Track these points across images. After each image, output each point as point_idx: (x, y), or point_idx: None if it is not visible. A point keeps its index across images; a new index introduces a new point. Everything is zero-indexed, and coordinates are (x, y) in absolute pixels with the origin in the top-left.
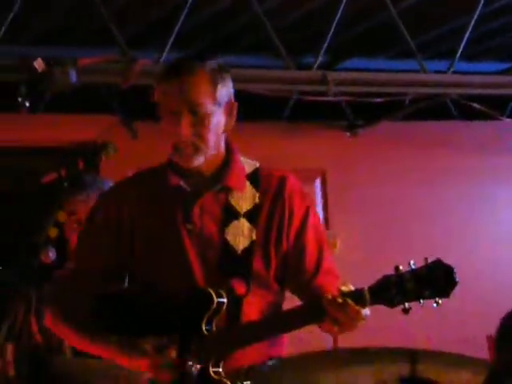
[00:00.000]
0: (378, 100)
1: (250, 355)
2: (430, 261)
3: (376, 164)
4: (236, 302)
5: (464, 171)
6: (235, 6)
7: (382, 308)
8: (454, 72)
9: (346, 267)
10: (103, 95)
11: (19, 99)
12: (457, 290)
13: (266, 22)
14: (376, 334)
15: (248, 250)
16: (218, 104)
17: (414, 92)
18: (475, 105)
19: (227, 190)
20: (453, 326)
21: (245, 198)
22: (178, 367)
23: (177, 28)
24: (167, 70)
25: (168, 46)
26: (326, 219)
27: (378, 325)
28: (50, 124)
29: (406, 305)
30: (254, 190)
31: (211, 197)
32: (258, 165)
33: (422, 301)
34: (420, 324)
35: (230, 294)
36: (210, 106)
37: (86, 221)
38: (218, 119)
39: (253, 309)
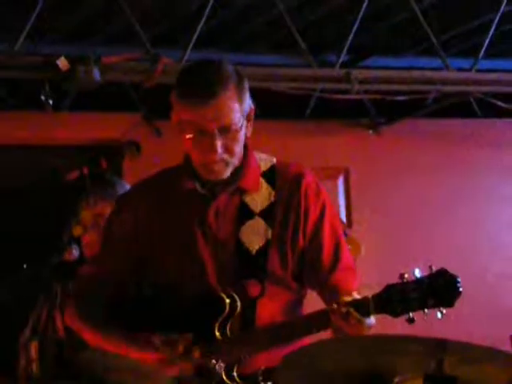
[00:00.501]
0: (401, 98)
1: (264, 357)
2: (434, 269)
3: (399, 162)
4: (250, 304)
5: (487, 169)
6: (257, 4)
7: None
8: (478, 70)
9: (368, 265)
10: (127, 94)
11: (43, 98)
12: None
13: (289, 20)
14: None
15: (263, 250)
16: (244, 116)
17: (437, 90)
18: (498, 102)
19: (242, 191)
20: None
21: (260, 197)
22: (200, 365)
23: (200, 27)
24: (193, 91)
25: (191, 45)
26: (349, 217)
27: None
28: (74, 122)
29: (411, 314)
30: (269, 188)
31: (226, 198)
32: (274, 161)
33: (426, 310)
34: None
35: (244, 296)
36: (239, 122)
37: (104, 225)
38: (245, 130)
39: (268, 309)
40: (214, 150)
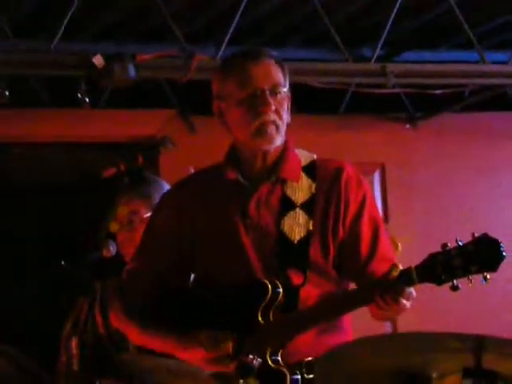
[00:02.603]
0: (438, 91)
1: (309, 344)
2: (476, 235)
3: (436, 156)
4: (293, 292)
5: None
6: (292, 0)
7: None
8: None
9: (405, 262)
10: (162, 90)
11: (79, 95)
12: None
13: (324, 15)
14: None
15: (304, 240)
16: (287, 92)
17: (473, 83)
18: None
19: (283, 182)
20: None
21: (301, 189)
22: (234, 359)
23: (234, 23)
24: (241, 58)
25: (226, 41)
26: (385, 213)
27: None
28: (110, 119)
29: (455, 282)
30: (310, 180)
31: (267, 188)
32: (314, 157)
33: (470, 277)
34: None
35: (287, 284)
36: (285, 87)
37: (148, 222)
38: (287, 109)
39: (310, 298)
40: (268, 104)
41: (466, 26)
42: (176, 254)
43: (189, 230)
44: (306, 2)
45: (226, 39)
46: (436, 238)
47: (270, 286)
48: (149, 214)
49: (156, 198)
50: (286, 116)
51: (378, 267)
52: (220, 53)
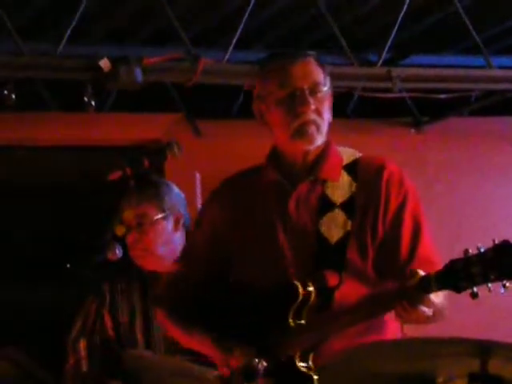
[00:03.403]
0: (444, 96)
1: (341, 347)
2: (497, 242)
3: (443, 160)
4: (328, 294)
5: None
6: (298, 3)
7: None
8: None
9: None
10: (168, 94)
11: (85, 98)
12: None
13: (330, 19)
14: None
15: (342, 241)
16: (327, 91)
17: (480, 88)
18: None
19: (323, 181)
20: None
21: (341, 189)
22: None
23: (241, 27)
24: (280, 58)
25: (232, 45)
26: None
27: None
28: (116, 123)
29: (474, 289)
30: (351, 180)
31: (306, 188)
32: (358, 155)
33: (489, 285)
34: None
35: (322, 285)
36: (325, 86)
37: (194, 223)
38: (328, 108)
39: (346, 300)
40: (307, 104)
41: (472, 31)
42: (217, 254)
43: (229, 232)
44: (312, 5)
45: (233, 42)
46: (442, 242)
47: (300, 288)
48: (159, 216)
49: (165, 200)
50: (327, 115)
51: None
52: (226, 56)
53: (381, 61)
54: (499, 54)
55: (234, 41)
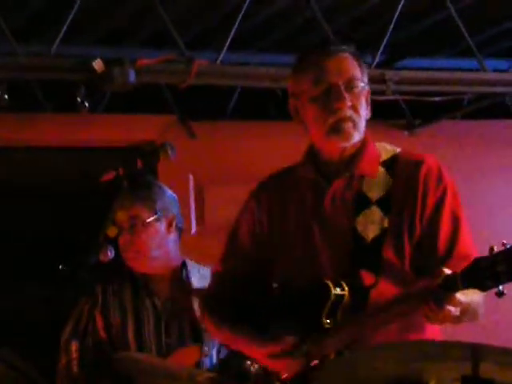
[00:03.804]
0: (437, 99)
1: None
2: None
3: None
4: (363, 294)
5: None
6: (292, 5)
7: None
8: None
9: None
10: (162, 95)
11: (79, 99)
12: None
13: (323, 21)
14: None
15: (378, 239)
16: (364, 87)
17: (473, 91)
18: None
19: (359, 177)
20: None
21: (377, 185)
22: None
23: (234, 28)
24: (315, 53)
25: (225, 47)
26: None
27: None
28: (109, 124)
29: (500, 287)
30: (388, 176)
31: (342, 185)
32: (397, 151)
33: None
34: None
35: (357, 285)
36: (361, 82)
37: (232, 225)
38: (365, 105)
39: (381, 300)
40: (343, 100)
41: (465, 34)
42: (258, 256)
43: (267, 233)
44: (306, 8)
45: (226, 44)
46: None
47: (332, 288)
48: (152, 218)
49: (158, 202)
50: (364, 111)
51: (457, 267)
52: (220, 58)
53: (374, 63)
54: (493, 56)
55: (228, 42)
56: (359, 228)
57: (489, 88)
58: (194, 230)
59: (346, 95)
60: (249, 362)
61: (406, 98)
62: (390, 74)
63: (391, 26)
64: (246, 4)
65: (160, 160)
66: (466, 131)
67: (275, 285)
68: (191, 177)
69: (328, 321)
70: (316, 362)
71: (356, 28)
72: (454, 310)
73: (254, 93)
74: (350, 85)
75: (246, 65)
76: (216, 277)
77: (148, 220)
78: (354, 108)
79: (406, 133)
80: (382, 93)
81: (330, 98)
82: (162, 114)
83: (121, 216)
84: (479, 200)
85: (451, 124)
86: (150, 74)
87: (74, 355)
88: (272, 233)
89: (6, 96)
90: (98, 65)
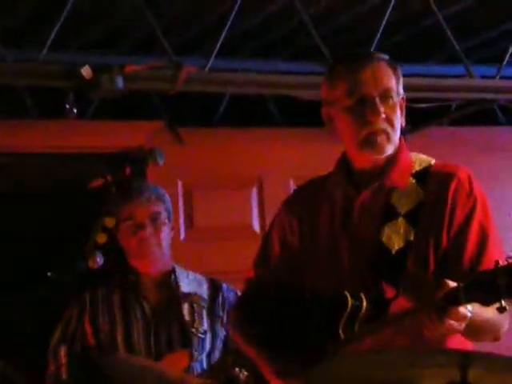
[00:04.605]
0: (425, 105)
1: None
2: None
3: None
4: (383, 306)
5: (511, 177)
6: (280, 12)
7: None
8: (502, 77)
9: None
10: (150, 102)
11: (67, 106)
12: None
13: (312, 28)
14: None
15: (403, 252)
16: (399, 96)
17: (460, 97)
18: None
19: (389, 188)
20: None
21: (407, 197)
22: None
23: (223, 35)
24: (350, 61)
25: (214, 53)
26: None
27: None
28: (97, 130)
29: (503, 303)
30: (419, 188)
31: (371, 195)
32: (432, 162)
33: None
34: None
35: (378, 297)
36: (396, 93)
37: (267, 230)
38: (400, 115)
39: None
40: (377, 112)
41: (453, 41)
42: (289, 264)
43: (297, 242)
44: (295, 14)
45: (215, 51)
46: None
47: (349, 299)
48: (166, 219)
49: (167, 204)
50: (398, 123)
51: None
52: (209, 65)
53: None
54: (480, 63)
55: (217, 49)
56: (384, 239)
57: (476, 94)
58: (182, 235)
59: (381, 107)
60: (237, 369)
61: None
62: None
63: (379, 33)
64: (235, 10)
65: (149, 166)
66: (453, 138)
67: (303, 294)
68: (180, 182)
69: (345, 332)
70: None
71: (344, 35)
72: (456, 324)
73: (243, 99)
74: (385, 96)
75: (234, 71)
76: (249, 283)
77: (165, 220)
78: (389, 120)
79: None
80: None
81: (364, 109)
82: (150, 120)
83: (141, 212)
84: None
85: (439, 130)
86: (138, 80)
87: (63, 361)
88: (302, 242)
89: None
90: (86, 71)
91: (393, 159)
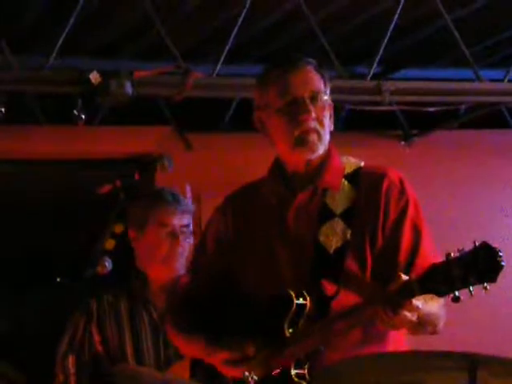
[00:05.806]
0: (433, 109)
1: (340, 356)
2: (477, 244)
3: (431, 173)
4: (325, 304)
5: None
6: (288, 17)
7: None
8: (510, 80)
9: None
10: (158, 107)
11: (75, 112)
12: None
13: (320, 33)
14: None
15: (340, 250)
16: (327, 99)
17: (469, 101)
18: None
19: (323, 190)
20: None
21: (341, 198)
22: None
23: (230, 41)
24: (279, 67)
25: (222, 59)
26: None
27: None
28: (106, 136)
29: (456, 293)
30: (352, 189)
31: (306, 197)
32: (361, 164)
33: (471, 288)
34: (473, 326)
35: (319, 295)
36: (325, 94)
37: (200, 237)
38: (328, 117)
39: (343, 309)
40: (308, 112)
41: (461, 44)
42: (223, 269)
43: (232, 246)
44: (303, 19)
45: (223, 56)
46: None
47: (294, 298)
48: (188, 222)
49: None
50: (328, 123)
51: None
52: (216, 70)
53: (370, 74)
54: (488, 67)
55: (224, 54)
56: (322, 239)
57: (484, 98)
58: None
59: (311, 107)
60: (246, 374)
61: (403, 108)
62: (386, 84)
63: (387, 37)
64: (243, 16)
65: (157, 172)
66: (462, 141)
67: (238, 296)
68: (188, 188)
69: (290, 330)
70: (277, 371)
71: (352, 39)
72: (409, 315)
73: (251, 104)
74: (314, 97)
75: (242, 76)
76: (186, 287)
77: (191, 232)
78: (319, 120)
79: (402, 143)
80: (379, 104)
81: (296, 110)
82: (158, 126)
83: (177, 221)
84: (477, 208)
85: (447, 134)
86: (146, 86)
87: (72, 370)
88: (237, 245)
89: (3, 109)
90: (94, 77)
91: (325, 162)
